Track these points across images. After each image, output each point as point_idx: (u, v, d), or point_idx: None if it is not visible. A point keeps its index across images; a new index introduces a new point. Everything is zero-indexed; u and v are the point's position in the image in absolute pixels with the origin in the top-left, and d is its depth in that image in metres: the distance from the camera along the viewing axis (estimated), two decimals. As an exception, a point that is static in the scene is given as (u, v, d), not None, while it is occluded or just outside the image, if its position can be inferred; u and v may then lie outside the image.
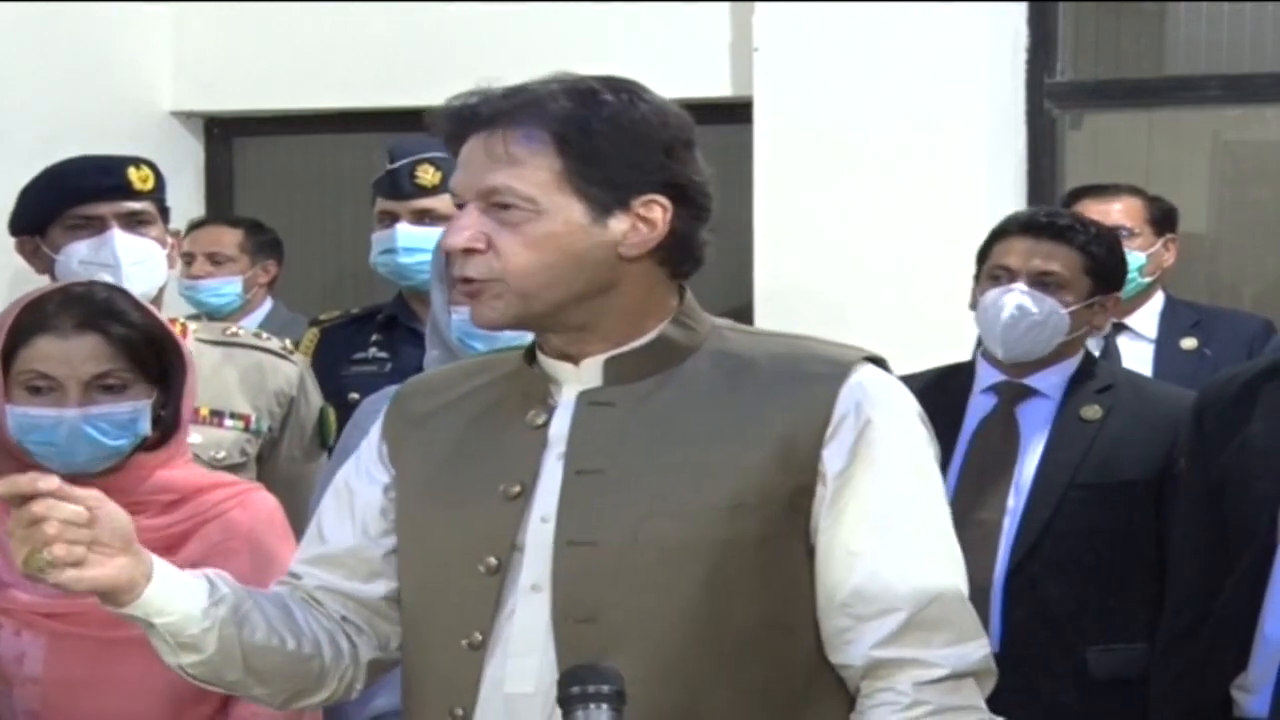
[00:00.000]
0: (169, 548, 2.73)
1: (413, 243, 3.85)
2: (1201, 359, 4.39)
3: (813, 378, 2.11)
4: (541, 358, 2.18)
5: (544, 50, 5.26)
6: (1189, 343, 4.50)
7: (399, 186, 3.89)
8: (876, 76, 5.16)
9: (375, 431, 2.28)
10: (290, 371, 3.51)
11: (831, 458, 2.08)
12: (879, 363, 2.16)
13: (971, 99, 5.18)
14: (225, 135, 6.03)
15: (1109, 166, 5.63)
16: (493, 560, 2.10)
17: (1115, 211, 4.58)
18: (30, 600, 2.68)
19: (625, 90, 2.11)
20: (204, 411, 3.31)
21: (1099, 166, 5.61)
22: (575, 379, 2.15)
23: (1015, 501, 3.48)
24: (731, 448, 2.08)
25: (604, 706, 1.90)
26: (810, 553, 2.10)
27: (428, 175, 3.89)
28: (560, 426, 2.13)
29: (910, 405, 2.16)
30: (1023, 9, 5.28)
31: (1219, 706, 2.72)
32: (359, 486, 2.26)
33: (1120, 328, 4.56)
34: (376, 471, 2.25)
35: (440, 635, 2.13)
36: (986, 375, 3.62)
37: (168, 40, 5.78)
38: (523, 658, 2.08)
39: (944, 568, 2.12)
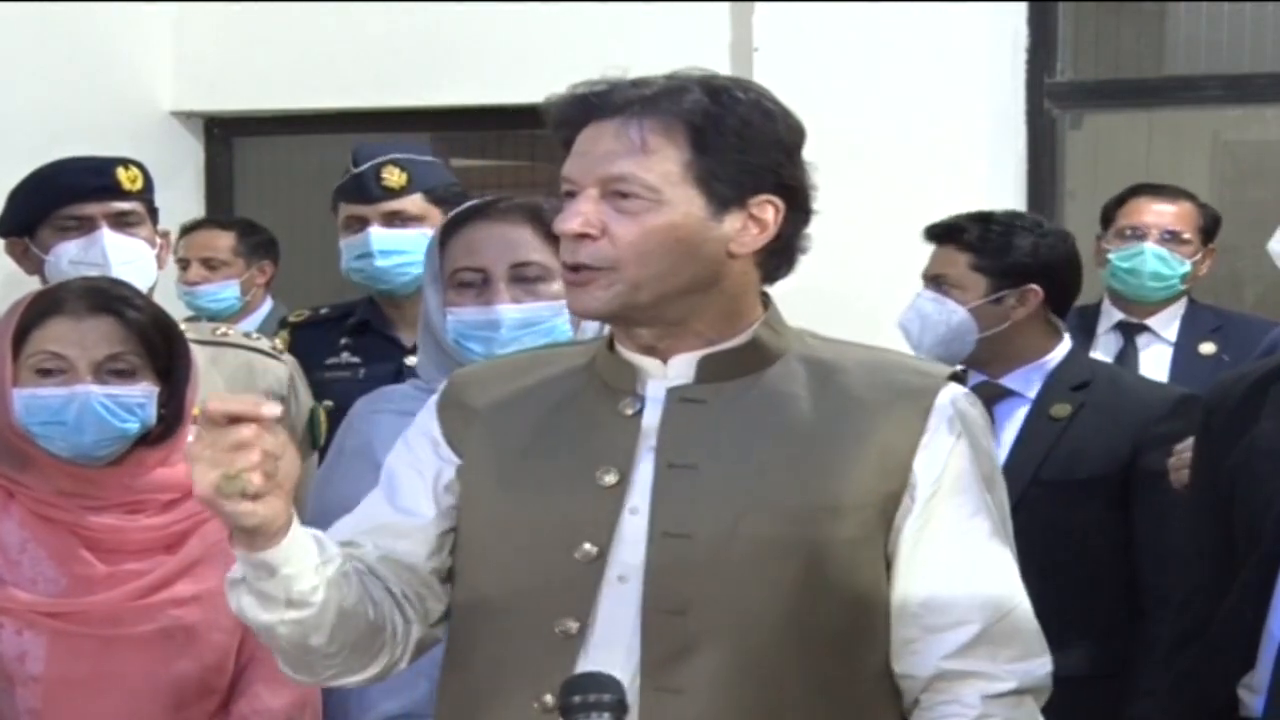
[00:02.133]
0: (168, 547, 2.75)
1: (388, 245, 3.82)
2: (1219, 364, 4.38)
3: (907, 389, 2.13)
4: (623, 351, 2.17)
5: (544, 50, 5.27)
6: (1208, 347, 4.50)
7: (366, 190, 3.86)
8: (876, 76, 5.15)
9: (429, 423, 2.23)
10: (280, 371, 3.50)
11: (922, 470, 2.11)
12: (959, 378, 2.20)
13: (971, 99, 5.18)
14: (225, 135, 6.02)
15: (1109, 166, 5.63)
16: (592, 549, 2.10)
17: (1170, 215, 4.58)
18: (31, 599, 2.69)
19: (754, 90, 2.14)
20: (194, 411, 3.30)
21: (1099, 166, 5.62)
22: (662, 374, 2.15)
23: None
24: (828, 450, 2.09)
25: (605, 715, 1.91)
26: (888, 560, 2.13)
27: (393, 177, 3.86)
28: (650, 420, 2.13)
29: (988, 424, 2.21)
30: (1023, 9, 5.28)
31: (1225, 706, 2.72)
32: (428, 462, 2.22)
33: (1141, 329, 4.57)
34: (444, 451, 2.22)
35: (528, 622, 2.11)
36: (972, 380, 3.64)
37: (168, 40, 5.78)
38: (608, 649, 2.08)
39: (1014, 583, 2.16)
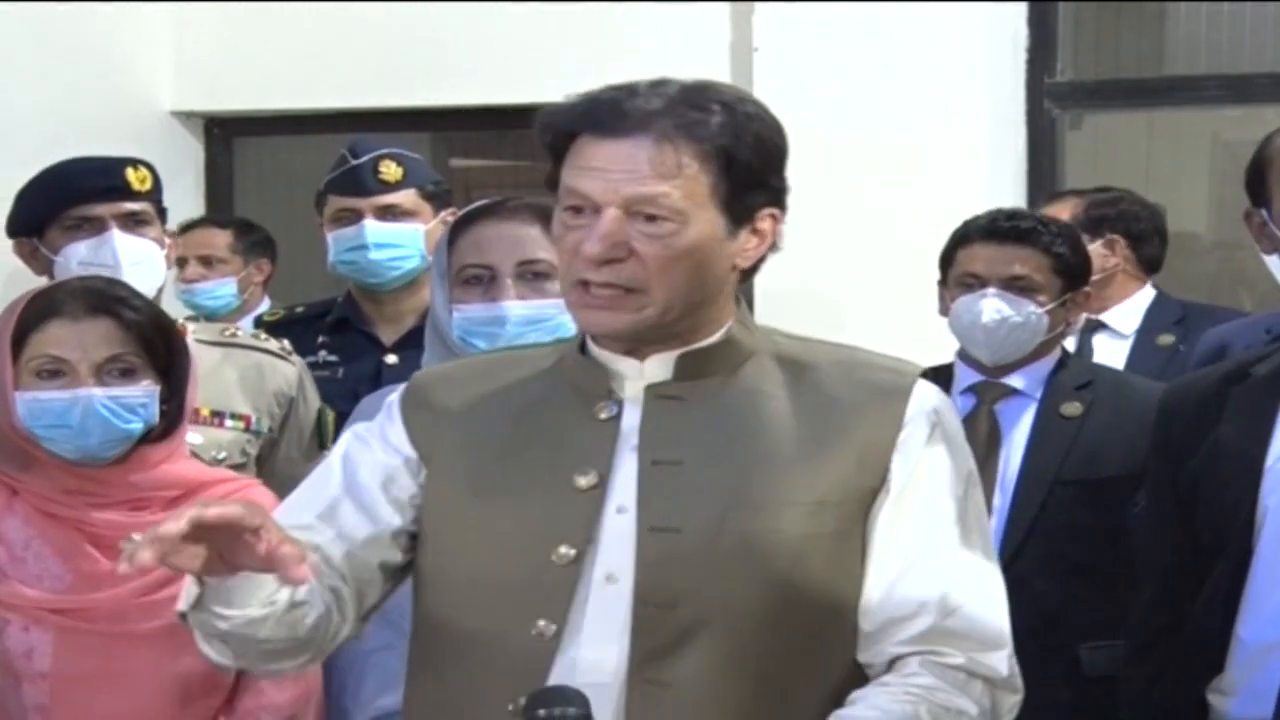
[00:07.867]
0: (175, 544, 2.75)
1: (383, 239, 3.83)
2: (1174, 355, 4.37)
3: (882, 387, 2.15)
4: (597, 351, 2.18)
5: (544, 50, 5.27)
6: (1166, 339, 4.48)
7: (362, 183, 3.87)
8: (876, 77, 5.16)
9: (394, 417, 2.24)
10: (289, 372, 3.50)
11: (898, 465, 2.13)
12: (928, 375, 2.22)
13: (971, 99, 5.18)
14: (225, 135, 6.02)
15: (1109, 166, 5.64)
16: (569, 551, 2.10)
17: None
18: (38, 596, 2.70)
19: (755, 102, 2.15)
20: (204, 412, 3.30)
21: (1099, 166, 5.62)
22: (638, 373, 2.16)
23: (1000, 500, 3.49)
24: (810, 446, 2.11)
25: None
26: (863, 554, 2.14)
27: (390, 171, 3.88)
28: (630, 420, 2.14)
29: (959, 422, 2.23)
30: (1023, 9, 5.28)
31: (1193, 710, 2.70)
32: (384, 460, 2.22)
33: (1099, 325, 4.54)
34: (407, 451, 2.21)
35: (505, 625, 2.11)
36: (965, 377, 3.64)
37: (168, 40, 5.78)
38: (599, 648, 2.08)
39: (978, 579, 2.16)
